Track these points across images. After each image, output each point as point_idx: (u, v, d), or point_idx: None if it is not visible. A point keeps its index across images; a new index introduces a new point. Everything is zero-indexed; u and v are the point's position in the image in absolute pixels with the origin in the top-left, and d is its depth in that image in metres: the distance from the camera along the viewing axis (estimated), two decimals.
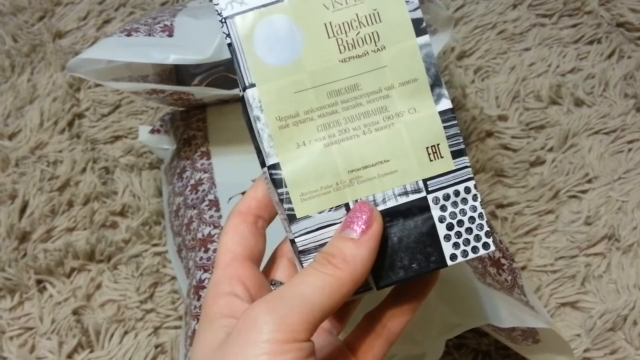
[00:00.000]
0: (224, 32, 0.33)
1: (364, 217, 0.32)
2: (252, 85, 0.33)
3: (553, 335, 0.52)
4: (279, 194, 0.33)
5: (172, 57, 0.54)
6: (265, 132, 0.33)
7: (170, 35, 0.57)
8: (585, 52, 0.80)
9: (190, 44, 0.55)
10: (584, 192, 0.70)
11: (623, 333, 0.62)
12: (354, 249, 0.31)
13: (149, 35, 0.57)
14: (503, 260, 0.55)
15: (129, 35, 0.57)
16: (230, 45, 0.33)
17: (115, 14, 0.87)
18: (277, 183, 0.33)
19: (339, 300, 0.30)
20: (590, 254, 0.66)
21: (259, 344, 0.28)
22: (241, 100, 0.34)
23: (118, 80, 0.58)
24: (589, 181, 0.71)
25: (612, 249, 0.66)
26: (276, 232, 0.37)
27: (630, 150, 0.73)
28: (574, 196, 0.70)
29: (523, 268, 0.65)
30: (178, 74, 0.64)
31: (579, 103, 0.76)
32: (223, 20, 0.33)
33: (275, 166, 0.33)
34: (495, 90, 0.77)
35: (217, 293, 0.33)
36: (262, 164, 0.34)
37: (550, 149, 0.73)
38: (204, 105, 0.65)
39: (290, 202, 0.33)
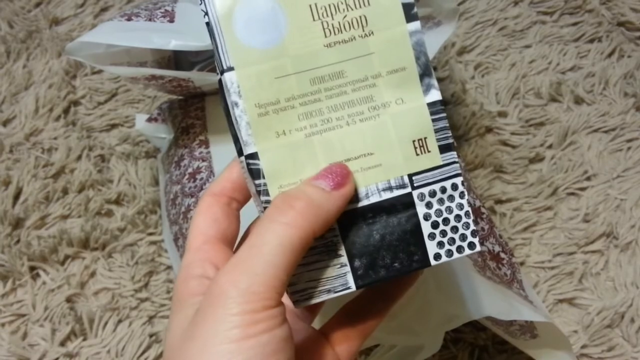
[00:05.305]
0: (202, 10, 0.31)
1: (339, 174, 0.31)
2: (231, 69, 0.31)
3: (551, 329, 0.51)
4: (257, 185, 0.31)
5: (174, 43, 0.53)
6: (244, 119, 0.31)
7: (172, 20, 0.56)
8: (585, 50, 0.80)
9: (192, 30, 0.54)
10: (583, 189, 0.70)
11: (620, 330, 0.61)
12: (323, 199, 0.30)
13: (150, 20, 0.56)
14: (502, 255, 0.55)
15: (129, 19, 0.56)
16: (208, 24, 0.31)
17: (113, 1, 0.86)
18: (254, 174, 0.31)
19: (301, 252, 0.29)
20: (588, 251, 0.66)
21: (229, 317, 0.27)
22: (219, 84, 0.32)
23: (117, 65, 0.57)
24: (588, 179, 0.70)
25: (610, 247, 0.66)
26: (251, 212, 0.35)
27: (629, 148, 0.72)
28: (573, 193, 0.70)
29: (521, 264, 0.65)
30: (177, 62, 0.64)
31: (578, 101, 0.76)
32: None
33: (253, 156, 0.31)
34: (495, 86, 0.77)
35: (188, 276, 0.31)
36: (239, 152, 0.32)
37: (550, 146, 0.73)
38: (202, 94, 0.65)
39: (267, 195, 0.31)
